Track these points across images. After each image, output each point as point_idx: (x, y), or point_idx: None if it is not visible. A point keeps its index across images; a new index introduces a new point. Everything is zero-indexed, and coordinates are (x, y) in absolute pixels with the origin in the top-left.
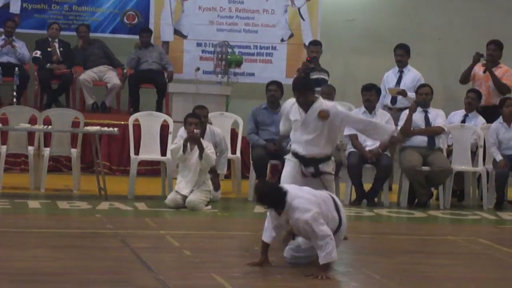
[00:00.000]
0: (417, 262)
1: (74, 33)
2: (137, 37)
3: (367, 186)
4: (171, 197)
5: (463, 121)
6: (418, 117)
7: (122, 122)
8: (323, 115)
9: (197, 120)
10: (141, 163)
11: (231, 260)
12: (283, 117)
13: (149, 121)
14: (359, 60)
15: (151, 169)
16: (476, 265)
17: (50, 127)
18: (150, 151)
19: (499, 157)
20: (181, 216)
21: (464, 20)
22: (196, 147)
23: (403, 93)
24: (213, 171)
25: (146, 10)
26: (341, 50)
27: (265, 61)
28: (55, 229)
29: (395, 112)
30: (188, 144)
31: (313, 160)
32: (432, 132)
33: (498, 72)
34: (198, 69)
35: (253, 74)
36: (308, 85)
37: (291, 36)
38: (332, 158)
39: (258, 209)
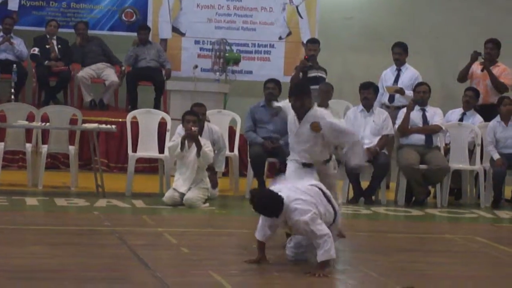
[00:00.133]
0: (415, 260)
1: (72, 30)
2: (135, 34)
3: (364, 184)
4: (168, 194)
5: (461, 120)
6: (415, 116)
7: (120, 120)
8: (316, 128)
9: (195, 118)
10: (139, 160)
11: (229, 258)
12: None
13: (147, 118)
14: (357, 58)
15: (149, 166)
16: (473, 263)
17: (48, 124)
18: (148, 149)
19: (496, 156)
20: (178, 214)
21: (462, 19)
22: (194, 144)
23: (401, 91)
24: (211, 169)
25: (144, 7)
26: (339, 48)
27: (263, 59)
28: (52, 226)
29: (392, 110)
30: (186, 142)
31: (313, 164)
32: (430, 131)
33: (495, 70)
34: (196, 66)
35: (251, 72)
36: (305, 90)
37: (289, 34)
38: (333, 157)
39: None
